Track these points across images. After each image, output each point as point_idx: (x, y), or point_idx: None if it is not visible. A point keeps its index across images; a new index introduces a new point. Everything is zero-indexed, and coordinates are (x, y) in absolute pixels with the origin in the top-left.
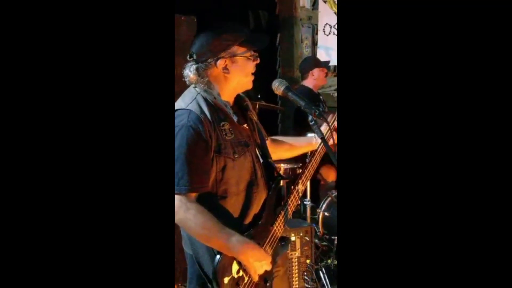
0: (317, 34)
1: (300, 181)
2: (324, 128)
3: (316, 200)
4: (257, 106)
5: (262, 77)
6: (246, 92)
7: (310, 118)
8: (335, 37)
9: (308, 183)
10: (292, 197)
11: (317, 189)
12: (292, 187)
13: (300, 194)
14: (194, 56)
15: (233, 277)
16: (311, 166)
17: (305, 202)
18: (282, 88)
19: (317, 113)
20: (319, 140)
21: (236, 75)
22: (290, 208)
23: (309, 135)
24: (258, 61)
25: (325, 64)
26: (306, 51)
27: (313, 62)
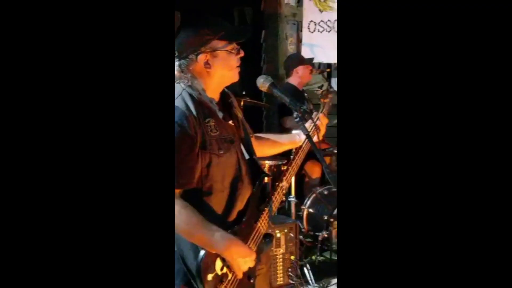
0: (301, 31)
1: (284, 178)
2: (308, 125)
3: (300, 196)
4: (241, 103)
5: (247, 73)
6: (231, 89)
7: (295, 114)
8: (320, 34)
9: (293, 180)
10: (276, 194)
11: (302, 186)
12: (276, 184)
13: (285, 191)
14: (176, 53)
15: (216, 274)
16: (295, 163)
17: (289, 199)
18: (267, 85)
19: (302, 110)
20: (303, 137)
21: (219, 70)
22: (274, 205)
23: (294, 132)
24: (242, 54)
25: (309, 61)
26: (291, 48)
27: (297, 59)
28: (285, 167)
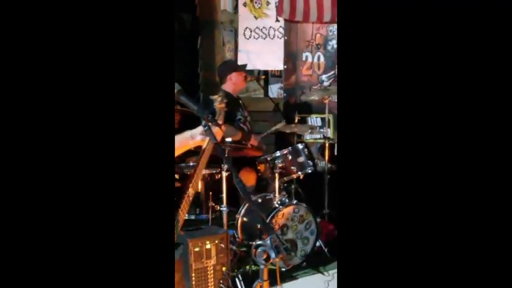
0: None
1: (190, 185)
2: (216, 131)
3: (236, 205)
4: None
5: (184, 80)
6: None
7: (203, 123)
8: (256, 41)
9: (224, 189)
10: (184, 202)
11: (237, 194)
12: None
13: (191, 198)
14: None
15: None
16: (199, 169)
17: (221, 208)
18: (175, 92)
19: (209, 118)
20: (198, 138)
21: None
22: (182, 213)
23: (185, 133)
24: None
25: (242, 68)
26: (229, 55)
27: (231, 66)
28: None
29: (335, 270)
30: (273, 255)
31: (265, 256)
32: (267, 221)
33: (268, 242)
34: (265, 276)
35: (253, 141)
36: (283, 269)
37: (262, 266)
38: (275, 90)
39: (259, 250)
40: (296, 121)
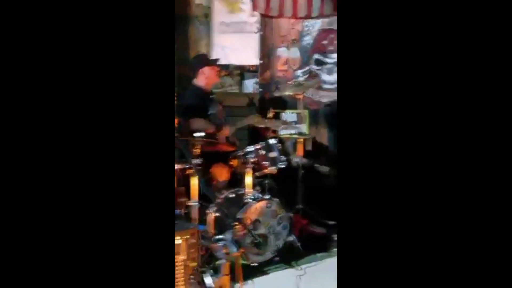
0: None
1: None
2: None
3: (209, 200)
4: None
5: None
6: None
7: None
8: (231, 36)
9: (195, 184)
10: None
11: (210, 189)
12: None
13: None
14: None
15: None
16: None
17: (191, 203)
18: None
19: None
20: None
21: None
22: None
23: None
24: None
25: (214, 62)
26: (204, 49)
27: (203, 60)
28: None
29: (307, 265)
30: (233, 249)
31: (225, 251)
32: (238, 216)
33: (229, 236)
34: (226, 271)
35: (226, 132)
36: (254, 264)
37: (223, 261)
38: (250, 85)
39: (219, 244)
40: (270, 116)
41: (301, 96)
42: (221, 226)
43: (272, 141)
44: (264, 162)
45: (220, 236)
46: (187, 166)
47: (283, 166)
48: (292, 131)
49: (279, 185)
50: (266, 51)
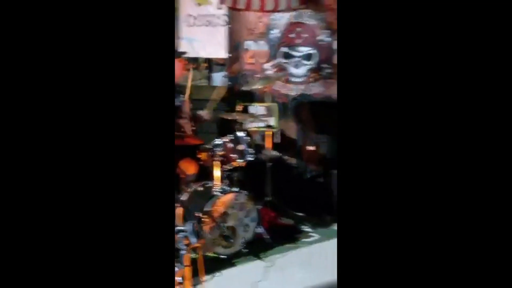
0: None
1: None
2: None
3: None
4: None
5: None
6: None
7: None
8: (199, 29)
9: None
10: None
11: (178, 183)
12: None
13: None
14: None
15: None
16: None
17: None
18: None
19: None
20: None
21: None
22: None
23: None
24: None
25: (180, 55)
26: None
27: None
28: None
29: (275, 256)
30: (193, 240)
31: (186, 242)
32: (205, 209)
33: (189, 227)
34: (187, 262)
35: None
36: (223, 257)
37: (183, 252)
38: (218, 78)
39: (179, 235)
40: (238, 109)
41: (267, 90)
42: (188, 219)
43: (240, 133)
44: (232, 155)
45: (181, 228)
46: None
47: (252, 159)
48: (260, 124)
49: (248, 178)
50: (234, 45)
